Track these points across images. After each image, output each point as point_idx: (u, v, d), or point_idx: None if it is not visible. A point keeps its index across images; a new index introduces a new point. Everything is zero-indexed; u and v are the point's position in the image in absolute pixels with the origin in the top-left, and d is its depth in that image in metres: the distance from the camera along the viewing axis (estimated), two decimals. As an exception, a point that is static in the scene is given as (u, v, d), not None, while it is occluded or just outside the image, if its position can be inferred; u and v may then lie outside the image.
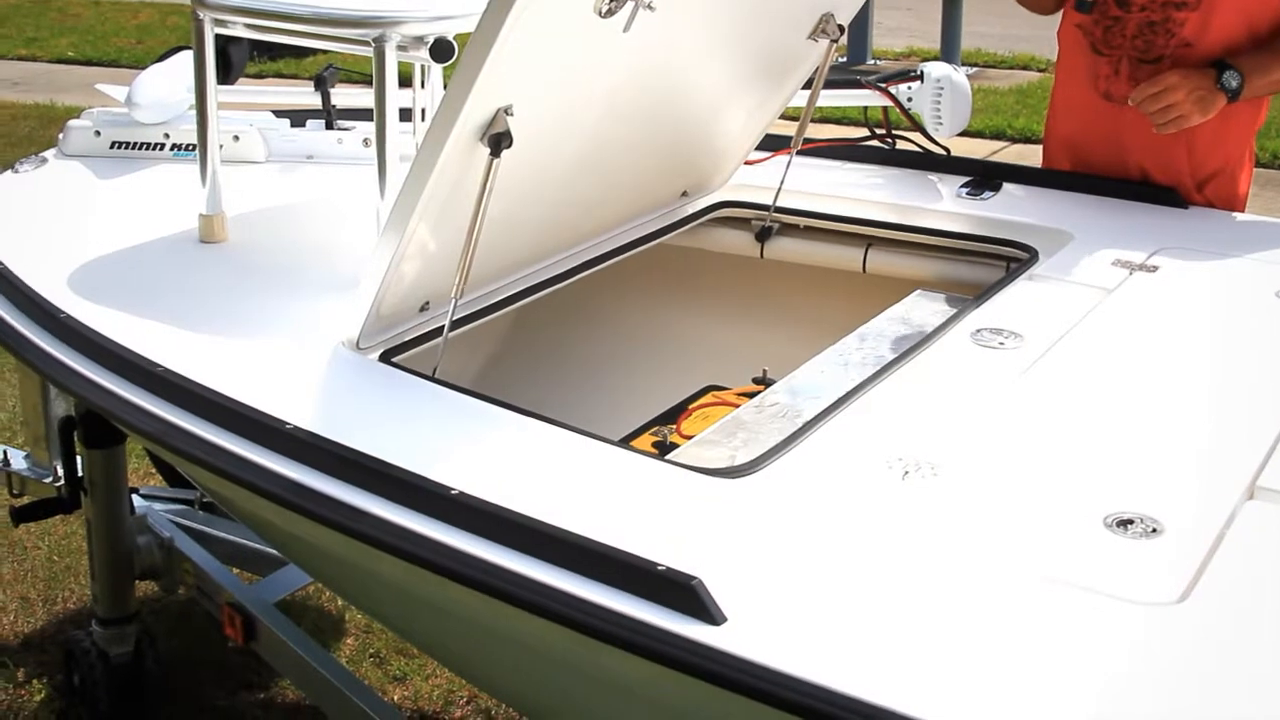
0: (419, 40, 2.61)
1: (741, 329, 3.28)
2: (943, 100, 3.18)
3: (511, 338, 3.28)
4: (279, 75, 10.95)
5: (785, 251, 3.15)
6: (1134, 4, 3.12)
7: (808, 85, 3.03)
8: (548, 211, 2.62)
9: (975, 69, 11.92)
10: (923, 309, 2.75)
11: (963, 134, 9.29)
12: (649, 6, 2.13)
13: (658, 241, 2.96)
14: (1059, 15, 3.35)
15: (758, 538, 1.78)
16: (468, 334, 2.57)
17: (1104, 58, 3.20)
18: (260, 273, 2.75)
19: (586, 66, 2.30)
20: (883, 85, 3.14)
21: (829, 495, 1.89)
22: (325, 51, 3.02)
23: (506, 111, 2.15)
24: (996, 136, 9.16)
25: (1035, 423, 2.11)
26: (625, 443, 2.55)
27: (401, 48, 2.63)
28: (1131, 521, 1.80)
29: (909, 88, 3.36)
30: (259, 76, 10.71)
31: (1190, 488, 1.92)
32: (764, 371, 2.80)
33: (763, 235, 3.14)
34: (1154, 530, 1.79)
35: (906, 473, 1.91)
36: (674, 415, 2.69)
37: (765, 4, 2.69)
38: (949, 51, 11.78)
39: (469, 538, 1.81)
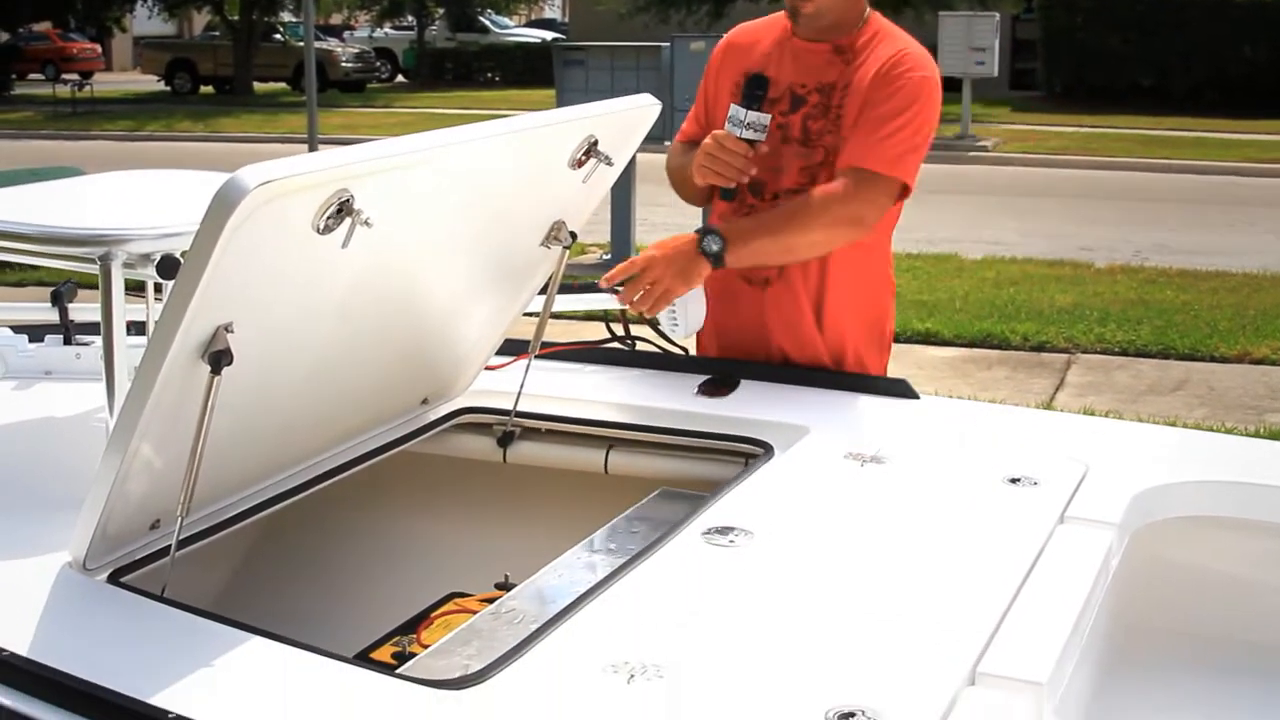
0: (146, 258, 2.61)
1: (485, 534, 3.27)
2: (676, 302, 3.25)
3: (253, 551, 3.23)
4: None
5: (528, 456, 3.17)
6: (766, 193, 3.32)
7: (545, 290, 3.09)
8: (282, 424, 2.60)
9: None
10: (661, 508, 2.79)
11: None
12: (366, 223, 2.15)
13: (399, 449, 2.95)
14: None
15: None
16: (205, 549, 2.52)
17: None
18: None
19: (309, 281, 2.31)
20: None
21: (552, 705, 1.89)
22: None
23: (226, 328, 2.13)
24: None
25: (760, 619, 2.14)
26: (364, 655, 2.52)
27: (129, 265, 2.61)
28: (853, 714, 1.83)
29: (645, 290, 3.42)
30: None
31: (913, 677, 1.96)
32: (505, 576, 2.80)
33: (505, 440, 3.16)
34: (874, 721, 1.83)
35: (632, 676, 1.92)
36: (416, 624, 2.66)
37: (493, 215, 2.73)
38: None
39: None
